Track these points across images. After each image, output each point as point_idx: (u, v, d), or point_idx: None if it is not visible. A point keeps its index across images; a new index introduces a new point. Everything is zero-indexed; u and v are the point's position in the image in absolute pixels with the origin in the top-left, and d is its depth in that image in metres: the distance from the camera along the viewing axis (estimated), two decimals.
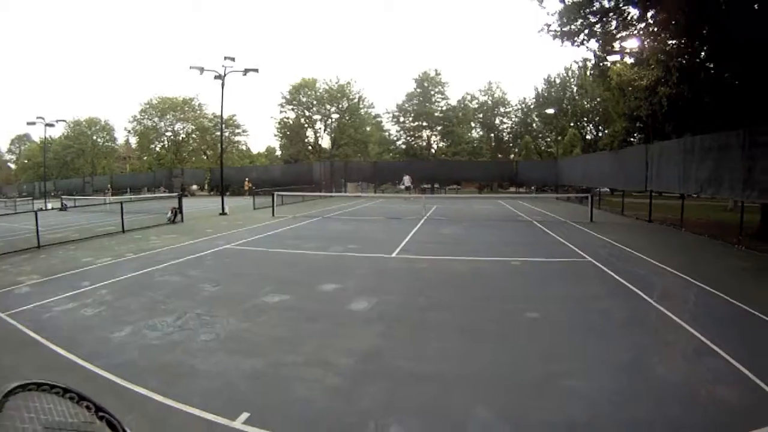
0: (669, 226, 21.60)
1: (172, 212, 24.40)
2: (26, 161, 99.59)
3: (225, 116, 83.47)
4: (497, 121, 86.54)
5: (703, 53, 20.26)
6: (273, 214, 26.98)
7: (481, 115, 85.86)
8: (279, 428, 4.35)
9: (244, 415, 4.59)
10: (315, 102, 79.70)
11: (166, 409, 4.81)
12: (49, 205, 39.20)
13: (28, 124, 52.66)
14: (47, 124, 52.10)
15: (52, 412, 1.66)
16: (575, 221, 23.32)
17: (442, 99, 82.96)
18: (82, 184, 69.61)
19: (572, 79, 70.75)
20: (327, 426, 4.46)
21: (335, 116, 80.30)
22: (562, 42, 22.46)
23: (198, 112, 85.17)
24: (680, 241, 17.79)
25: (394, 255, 14.22)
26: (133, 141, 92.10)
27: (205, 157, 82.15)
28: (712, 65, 20.39)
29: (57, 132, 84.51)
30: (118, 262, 13.42)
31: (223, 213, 28.93)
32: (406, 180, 49.44)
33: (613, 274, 11.54)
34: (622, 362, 6.31)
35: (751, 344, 6.86)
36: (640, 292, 9.77)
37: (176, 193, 31.12)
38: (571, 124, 67.62)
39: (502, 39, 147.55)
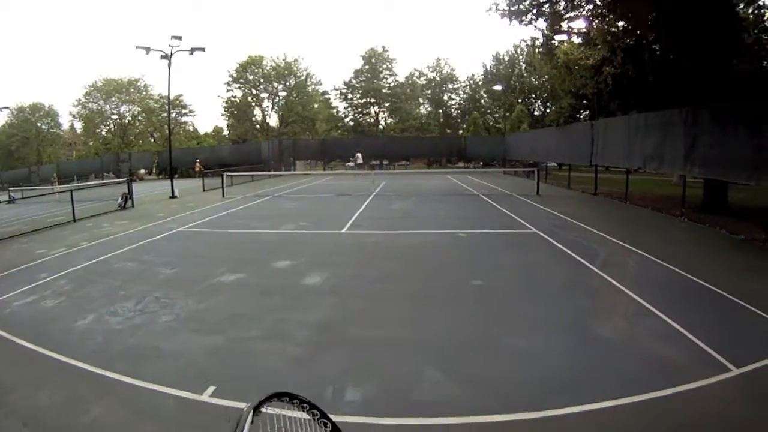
0: (614, 199, 22.24)
1: (122, 198, 24.03)
2: None
3: (171, 97, 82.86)
4: (445, 97, 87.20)
5: (647, 35, 20.92)
6: (223, 195, 26.88)
7: (429, 92, 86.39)
8: (245, 398, 4.55)
9: (210, 388, 4.83)
10: (262, 80, 78.66)
11: (137, 390, 5.01)
12: None
13: None
14: None
15: (295, 424, 1.66)
16: (522, 194, 24.00)
17: (390, 75, 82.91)
18: (28, 174, 67.57)
19: (521, 57, 71.74)
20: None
21: (282, 94, 79.50)
22: (510, 21, 22.73)
23: (144, 93, 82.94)
24: (624, 213, 18.45)
25: (344, 231, 14.55)
26: (79, 126, 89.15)
27: (153, 140, 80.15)
28: (656, 47, 21.04)
29: (0, 120, 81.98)
30: (73, 251, 13.29)
31: (173, 196, 28.53)
32: (358, 157, 49.62)
33: (557, 243, 12.04)
34: (564, 323, 6.69)
35: (685, 305, 7.37)
36: (583, 260, 10.24)
37: (125, 179, 30.54)
38: (519, 101, 68.58)
39: (451, 15, 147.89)
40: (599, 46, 23.27)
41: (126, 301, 8.13)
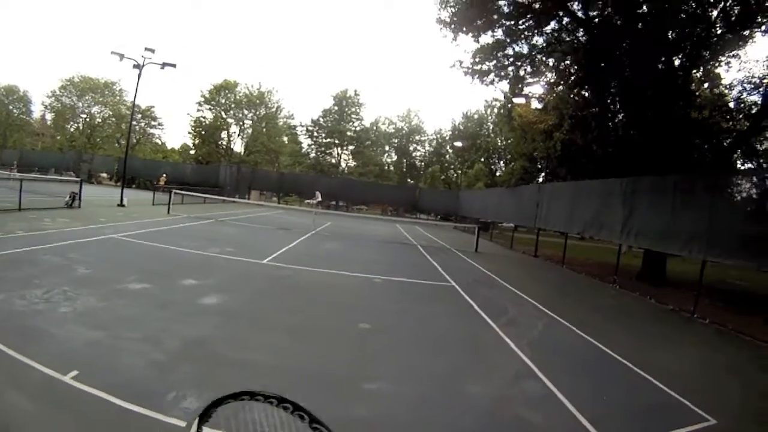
0: (553, 262, 22.93)
1: (70, 197, 24.29)
2: None
3: (143, 107, 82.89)
4: (411, 148, 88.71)
5: (593, 107, 21.87)
6: (168, 212, 27.23)
7: (396, 141, 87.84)
8: (97, 384, 5.27)
9: (74, 372, 5.49)
10: (233, 105, 79.42)
11: (13, 361, 5.69)
12: None
13: None
14: None
15: (263, 424, 1.63)
16: (460, 249, 24.88)
17: (357, 119, 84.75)
18: None
19: (490, 116, 73.35)
20: (135, 390, 5.28)
21: (250, 122, 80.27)
22: (473, 79, 23.52)
23: (118, 98, 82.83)
24: (555, 276, 19.24)
25: (264, 261, 15.09)
26: (49, 117, 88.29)
27: (118, 146, 79.44)
28: (603, 118, 22.00)
29: None
30: (7, 238, 13.69)
31: (121, 204, 28.74)
32: (317, 195, 50.25)
33: (468, 298, 12.51)
34: (435, 374, 6.87)
35: (576, 370, 7.65)
36: (487, 317, 10.57)
37: (77, 179, 30.79)
38: (482, 159, 69.79)
39: (425, 68, 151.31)
40: (551, 112, 24.40)
41: (36, 289, 8.71)
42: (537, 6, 20.59)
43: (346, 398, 5.76)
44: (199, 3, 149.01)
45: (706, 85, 21.42)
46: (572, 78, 21.60)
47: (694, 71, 19.96)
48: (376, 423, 5.26)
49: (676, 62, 18.98)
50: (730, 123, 19.88)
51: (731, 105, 20.06)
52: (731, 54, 19.17)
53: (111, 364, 6.01)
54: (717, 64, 20.04)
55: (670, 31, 18.26)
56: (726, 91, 20.66)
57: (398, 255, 21.03)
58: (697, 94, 20.77)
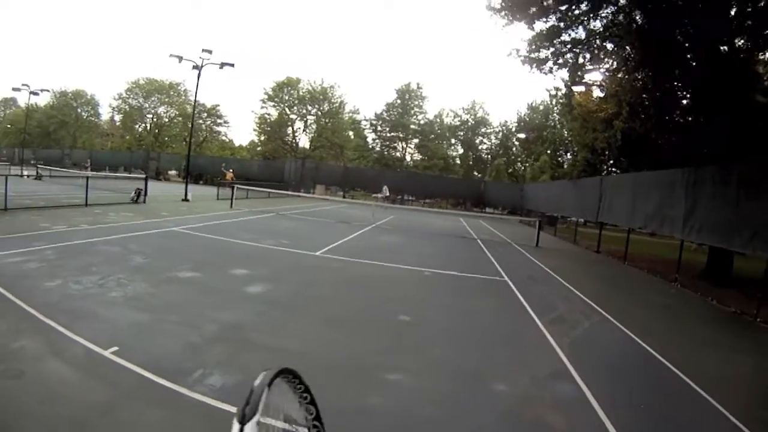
0: (615, 258, 22.44)
1: (135, 192, 25.58)
2: (9, 126, 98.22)
3: (208, 105, 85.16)
4: (477, 141, 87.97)
5: (651, 93, 21.27)
6: (231, 206, 28.34)
7: (461, 133, 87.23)
8: (133, 359, 5.80)
9: (114, 348, 6.06)
10: (297, 101, 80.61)
11: (60, 335, 6.36)
12: (25, 173, 39.99)
13: (14, 89, 52.22)
14: (32, 92, 52.35)
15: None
16: (520, 244, 24.58)
17: (420, 113, 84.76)
18: (62, 156, 69.94)
19: (555, 107, 71.92)
20: (166, 366, 5.77)
21: (314, 118, 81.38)
22: (531, 68, 22.86)
23: (183, 98, 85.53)
24: (615, 273, 18.81)
25: (317, 253, 15.44)
26: (118, 119, 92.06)
27: (185, 144, 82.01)
28: (659, 104, 21.27)
29: (42, 100, 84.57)
30: (72, 230, 14.76)
31: (185, 199, 30.10)
32: (385, 190, 50.48)
33: (518, 293, 12.22)
34: (461, 370, 6.78)
35: (613, 373, 7.34)
36: (531, 312, 10.38)
37: (143, 176, 32.13)
38: (548, 151, 68.69)
39: (489, 59, 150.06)
40: (609, 100, 23.89)
41: (92, 276, 9.51)
42: None
43: (364, 386, 5.93)
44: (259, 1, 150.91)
45: None
46: (630, 63, 21.03)
47: (760, 53, 19.19)
48: (387, 412, 5.33)
49: (738, 43, 18.32)
50: None
51: None
52: None
53: (149, 342, 6.54)
54: None
55: (733, 8, 17.64)
56: None
57: (455, 248, 21.02)
58: (765, 77, 19.93)
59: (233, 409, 4.87)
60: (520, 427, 5.35)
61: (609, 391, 6.41)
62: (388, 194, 50.30)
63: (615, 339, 9.23)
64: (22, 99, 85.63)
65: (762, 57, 19.31)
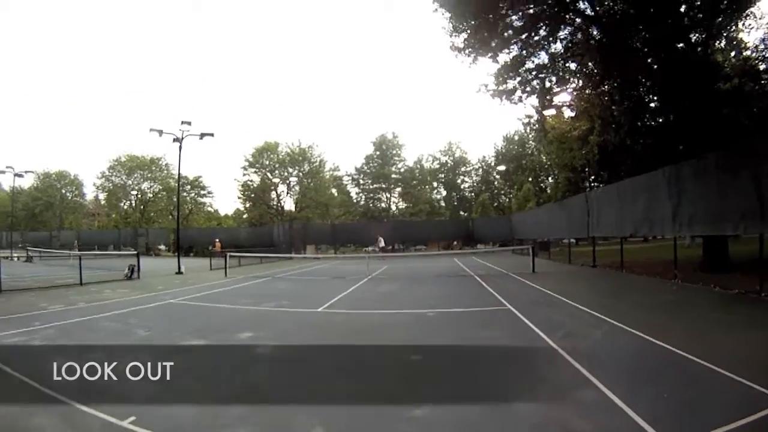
0: (612, 269, 22.54)
1: (129, 269, 25.45)
2: None
3: (191, 178, 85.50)
4: (459, 180, 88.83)
5: (619, 103, 21.67)
6: (225, 275, 28.02)
7: (442, 176, 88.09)
8: (153, 426, 5.83)
9: (132, 418, 6.10)
10: (277, 165, 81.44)
11: (76, 412, 6.30)
12: (15, 256, 39.84)
13: None
14: (17, 174, 52.45)
15: None
16: (516, 273, 24.37)
17: (399, 161, 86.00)
18: (50, 238, 69.74)
19: (530, 135, 72.63)
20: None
21: (296, 179, 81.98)
22: (501, 100, 23.30)
23: (165, 172, 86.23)
24: (614, 282, 18.87)
25: (319, 310, 15.29)
26: (102, 197, 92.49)
27: (171, 217, 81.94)
28: (629, 112, 21.68)
29: (27, 183, 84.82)
30: (69, 309, 14.67)
31: (179, 272, 29.95)
32: (380, 241, 50.42)
33: (524, 318, 12.09)
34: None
35: (635, 375, 7.30)
36: (539, 332, 10.35)
37: (134, 252, 32.06)
38: (530, 179, 69.12)
39: (460, 99, 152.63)
40: (581, 117, 24.28)
41: (87, 353, 9.35)
42: (547, 13, 20.56)
43: (390, 424, 5.92)
44: (230, 69, 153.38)
45: (732, 54, 21.05)
46: (595, 78, 21.48)
47: (716, 42, 19.71)
48: None
49: (693, 38, 18.77)
50: (761, 85, 19.45)
51: (761, 67, 19.67)
52: (745, 14, 18.80)
53: (166, 410, 6.50)
54: (736, 29, 19.73)
55: (683, 5, 18.07)
56: (753, 55, 20.25)
57: (453, 287, 20.92)
58: (724, 64, 20.44)
59: None
60: None
61: (632, 390, 6.35)
62: (383, 245, 50.22)
63: (627, 342, 9.29)
64: (6, 182, 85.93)
65: (719, 46, 19.83)
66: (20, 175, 53.95)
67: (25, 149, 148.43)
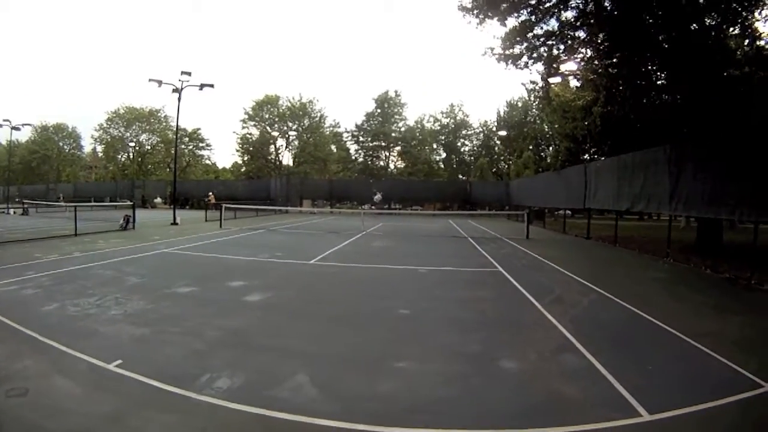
0: (606, 243, 22.51)
1: (124, 220, 25.46)
2: None
3: (189, 130, 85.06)
4: (459, 143, 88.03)
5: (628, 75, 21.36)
6: (221, 226, 28.26)
7: (443, 137, 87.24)
8: (139, 370, 5.76)
9: (118, 361, 6.02)
10: (277, 119, 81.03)
11: (63, 354, 6.30)
12: (11, 210, 39.80)
13: None
14: (13, 128, 52.04)
15: None
16: (511, 238, 24.72)
17: (400, 120, 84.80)
18: (47, 191, 69.54)
19: (534, 102, 71.87)
20: (173, 374, 5.73)
21: (295, 134, 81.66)
22: (507, 65, 22.94)
23: (164, 124, 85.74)
24: (606, 255, 18.87)
25: (311, 262, 15.42)
26: (99, 149, 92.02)
27: (169, 170, 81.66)
28: (635, 86, 21.46)
29: (24, 136, 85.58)
30: (64, 258, 14.67)
31: (174, 223, 30.04)
32: (378, 196, 50.32)
33: (514, 281, 12.28)
34: (465, 353, 6.78)
35: (619, 343, 7.30)
36: (528, 295, 10.53)
37: (131, 203, 32.01)
38: (530, 147, 68.63)
39: (465, 60, 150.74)
40: (586, 87, 24.01)
41: (89, 298, 9.45)
42: None
43: (374, 375, 5.93)
44: (231, 21, 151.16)
45: (746, 42, 20.64)
46: (603, 49, 21.11)
47: (731, 28, 19.31)
48: (401, 397, 5.33)
49: (707, 21, 18.44)
50: None
51: None
52: (762, 3, 18.45)
53: (154, 354, 6.50)
54: (752, 18, 19.33)
55: None
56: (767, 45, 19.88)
57: (447, 247, 21.03)
58: (737, 51, 20.07)
59: (242, 408, 4.96)
60: (533, 399, 5.32)
61: (616, 358, 6.45)
62: (381, 199, 50.19)
63: (614, 312, 9.30)
64: (2, 136, 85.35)
65: (733, 32, 19.46)
66: (17, 128, 53.48)
67: (22, 102, 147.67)
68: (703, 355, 6.70)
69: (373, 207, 50.23)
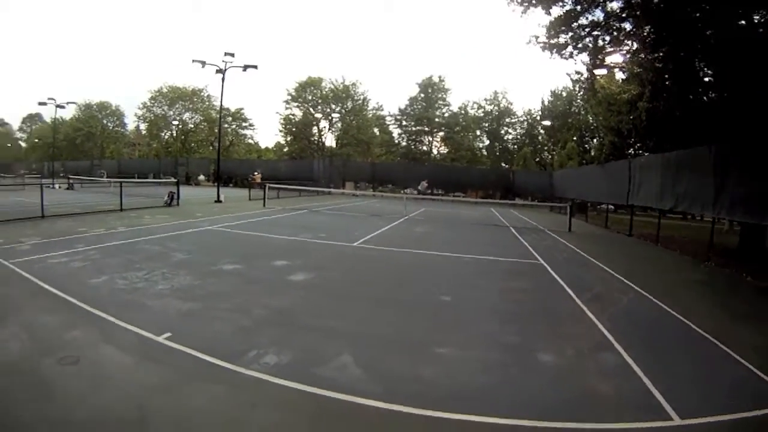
0: (648, 241, 21.95)
1: (168, 196, 25.91)
2: (37, 140, 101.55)
3: (232, 109, 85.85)
4: (502, 131, 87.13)
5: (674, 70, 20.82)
6: (264, 205, 28.50)
7: (486, 124, 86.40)
8: (187, 344, 5.90)
9: (167, 334, 6.17)
10: (320, 101, 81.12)
11: (112, 325, 6.49)
12: (56, 185, 40.69)
13: (40, 104, 53.75)
14: (58, 106, 53.43)
15: None
16: (552, 230, 24.34)
17: (444, 105, 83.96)
18: (91, 167, 70.97)
19: (578, 93, 70.46)
20: (222, 350, 5.83)
21: (338, 116, 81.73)
22: (551, 54, 22.50)
23: (207, 103, 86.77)
24: (648, 254, 18.35)
25: (354, 244, 15.46)
26: (143, 127, 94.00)
27: (212, 148, 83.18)
28: (681, 82, 20.87)
29: (68, 114, 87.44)
30: (110, 233, 14.98)
31: (218, 201, 30.39)
32: (423, 184, 50.28)
33: (554, 274, 12.20)
34: (508, 343, 6.83)
35: (655, 344, 7.22)
36: (568, 289, 10.45)
37: (174, 181, 32.44)
38: (574, 138, 67.57)
39: (510, 48, 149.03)
40: (632, 81, 23.48)
41: (137, 272, 9.68)
42: None
43: (416, 359, 6.02)
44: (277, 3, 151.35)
45: None
46: (649, 42, 20.52)
47: None
48: (442, 383, 5.39)
49: (756, 18, 17.77)
50: None
51: None
52: None
53: (202, 329, 6.63)
54: None
55: None
56: None
57: (489, 236, 20.84)
58: None
59: (288, 384, 5.04)
60: (569, 394, 5.35)
61: (651, 359, 6.38)
62: (426, 187, 50.09)
63: (652, 313, 9.15)
64: (47, 114, 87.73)
65: None
66: (62, 107, 54.97)
67: (66, 81, 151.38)
68: (739, 365, 6.51)
69: (415, 192, 50.12)
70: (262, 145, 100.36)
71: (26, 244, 12.17)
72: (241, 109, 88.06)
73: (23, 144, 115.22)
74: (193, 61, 32.36)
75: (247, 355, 5.69)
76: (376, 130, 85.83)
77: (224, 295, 8.36)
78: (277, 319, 7.26)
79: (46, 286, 8.16)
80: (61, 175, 57.26)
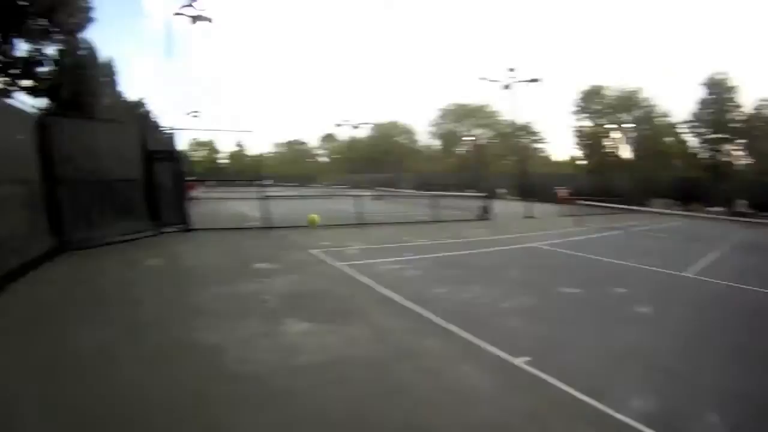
0: None
1: (481, 210, 27.05)
2: (337, 156, 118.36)
3: (521, 123, 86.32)
4: None
5: None
6: (577, 223, 27.83)
7: None
8: (547, 371, 5.74)
9: (525, 358, 6.11)
10: (607, 110, 78.03)
11: (464, 341, 6.71)
12: (365, 195, 44.31)
13: (336, 125, 62.38)
14: (354, 126, 60.53)
15: None
16: None
17: (735, 106, 73.93)
18: (393, 179, 76.31)
19: None
20: (584, 381, 5.57)
21: (630, 126, 77.12)
22: None
23: (492, 118, 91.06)
24: None
25: (683, 274, 13.44)
26: (437, 143, 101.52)
27: (507, 162, 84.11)
28: None
29: (361, 134, 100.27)
30: (434, 243, 15.92)
31: (528, 216, 30.66)
32: None
33: None
34: None
35: None
36: None
37: (484, 194, 33.30)
38: None
39: None
40: None
41: (474, 285, 10.17)
42: None
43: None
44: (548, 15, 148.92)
45: None
46: None
47: None
48: None
49: None
50: None
51: None
52: None
53: (558, 355, 6.44)
54: None
55: None
56: None
57: None
58: None
59: None
60: None
61: None
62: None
63: None
64: (341, 133, 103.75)
65: None
66: (356, 127, 62.12)
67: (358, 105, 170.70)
68: None
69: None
70: (555, 159, 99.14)
71: (353, 249, 13.25)
72: (529, 122, 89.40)
73: (325, 159, 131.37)
74: (480, 78, 35.96)
75: (611, 394, 5.28)
76: (670, 139, 79.20)
77: (573, 321, 8.14)
78: (632, 355, 6.66)
79: (385, 291, 8.94)
80: (365, 185, 62.57)
